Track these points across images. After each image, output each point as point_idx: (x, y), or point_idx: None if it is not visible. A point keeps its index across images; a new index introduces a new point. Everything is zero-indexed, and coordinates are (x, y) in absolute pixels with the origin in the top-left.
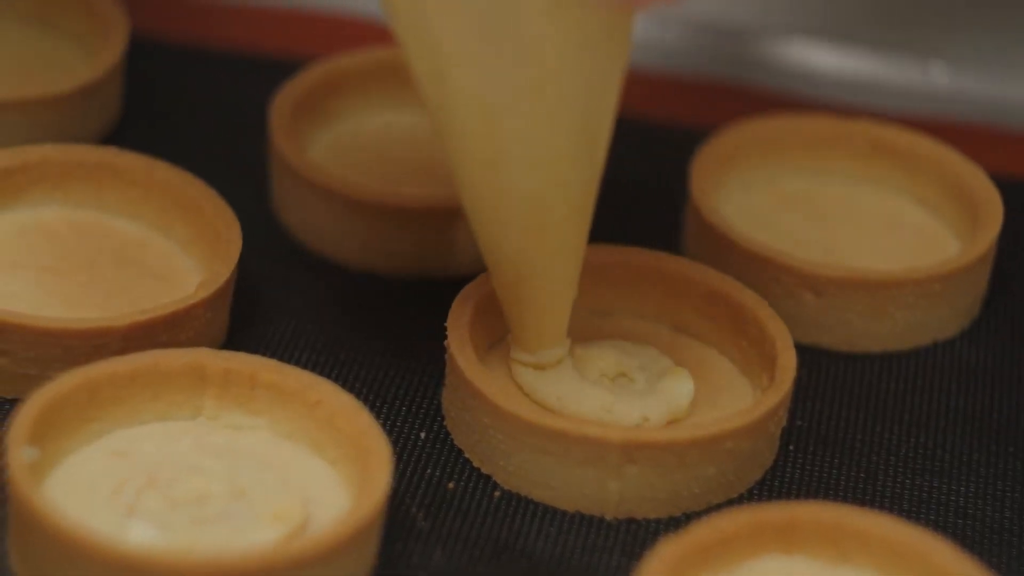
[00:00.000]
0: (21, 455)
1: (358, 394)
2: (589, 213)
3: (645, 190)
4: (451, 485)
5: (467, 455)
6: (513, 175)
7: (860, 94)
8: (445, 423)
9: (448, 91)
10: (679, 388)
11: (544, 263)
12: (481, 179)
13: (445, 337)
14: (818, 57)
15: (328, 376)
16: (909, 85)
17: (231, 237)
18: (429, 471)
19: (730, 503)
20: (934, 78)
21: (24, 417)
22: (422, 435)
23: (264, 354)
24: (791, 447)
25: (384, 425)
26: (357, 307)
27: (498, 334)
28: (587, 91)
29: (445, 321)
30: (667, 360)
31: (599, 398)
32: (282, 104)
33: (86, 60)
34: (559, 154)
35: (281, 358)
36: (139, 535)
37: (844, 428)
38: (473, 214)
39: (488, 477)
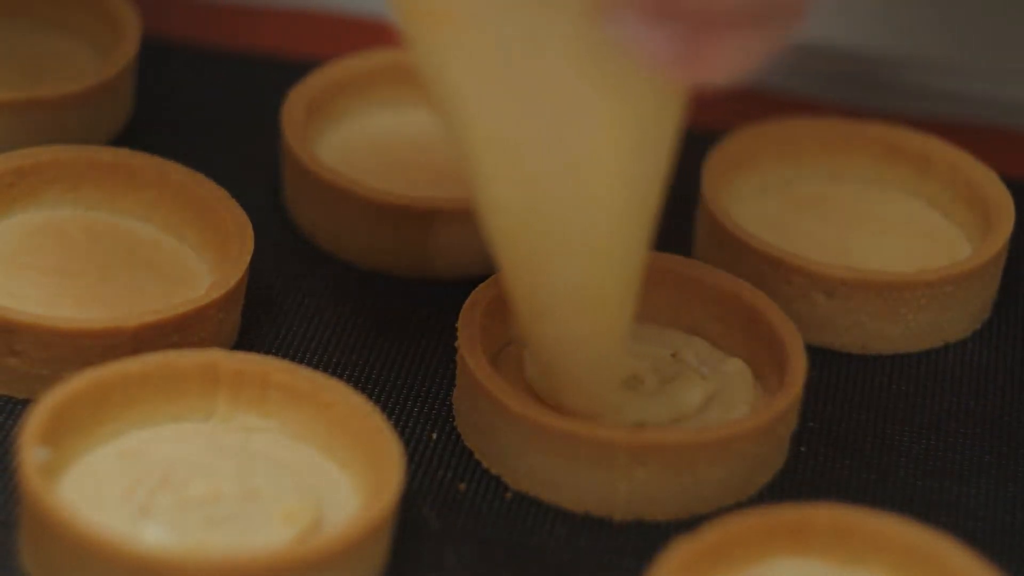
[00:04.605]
0: (33, 455)
1: (370, 395)
2: (635, 292)
3: None
4: (462, 486)
5: (478, 456)
6: (556, 259)
7: (873, 96)
8: (456, 424)
9: (486, 169)
10: (686, 394)
11: (592, 344)
12: (523, 262)
13: (456, 338)
14: (833, 59)
15: (340, 377)
16: (922, 87)
17: (243, 238)
18: (440, 472)
19: (740, 505)
20: (947, 80)
21: (36, 418)
22: (433, 436)
23: (276, 355)
24: (803, 448)
25: (396, 426)
26: (369, 308)
27: (509, 335)
28: (633, 167)
29: (456, 322)
30: (719, 353)
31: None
32: (294, 105)
33: (98, 61)
34: (603, 236)
35: (293, 359)
36: (151, 535)
37: (855, 429)
38: (518, 302)
39: (499, 478)
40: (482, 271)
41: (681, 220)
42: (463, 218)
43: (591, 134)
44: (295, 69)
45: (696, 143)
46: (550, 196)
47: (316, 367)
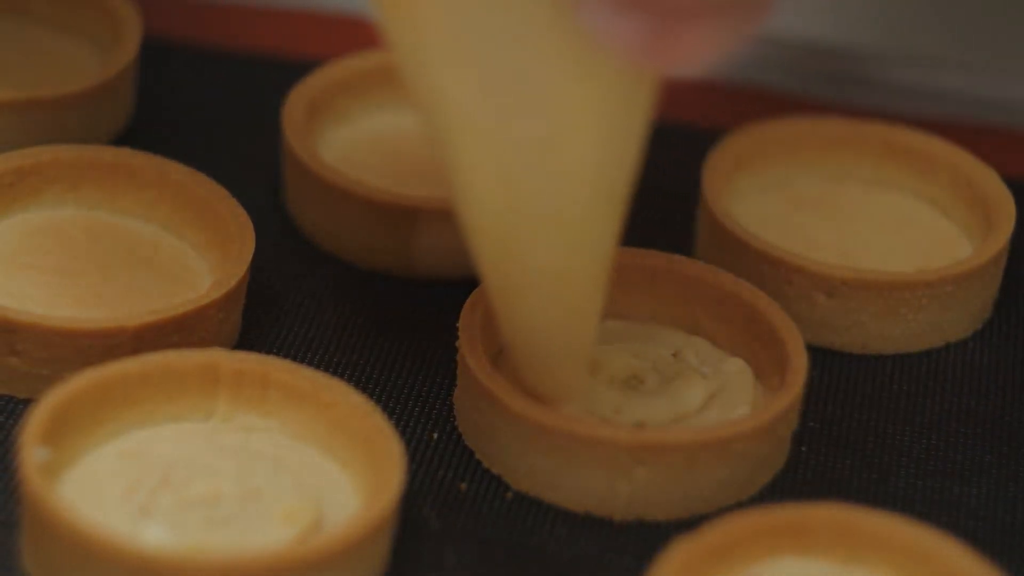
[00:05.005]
0: (34, 455)
1: (371, 395)
2: (605, 278)
3: (657, 191)
4: (463, 486)
5: (478, 456)
6: (529, 244)
7: (874, 96)
8: (457, 424)
9: (463, 155)
10: (687, 394)
11: (561, 329)
12: (497, 249)
13: (456, 338)
14: (833, 59)
15: (341, 377)
16: (923, 87)
17: (244, 238)
18: (441, 472)
19: (740, 505)
20: (948, 80)
21: (37, 417)
22: (434, 436)
23: (277, 355)
24: (804, 448)
25: (396, 426)
26: (370, 308)
27: None
28: (606, 153)
29: (456, 322)
30: (720, 353)
31: (608, 399)
32: (295, 104)
33: (99, 60)
34: (574, 222)
35: (294, 359)
36: (152, 536)
37: (856, 429)
38: (490, 285)
39: (499, 478)
40: None
41: (681, 220)
42: None
43: (564, 121)
44: (295, 69)
45: (696, 143)
46: (525, 182)
47: (316, 367)
